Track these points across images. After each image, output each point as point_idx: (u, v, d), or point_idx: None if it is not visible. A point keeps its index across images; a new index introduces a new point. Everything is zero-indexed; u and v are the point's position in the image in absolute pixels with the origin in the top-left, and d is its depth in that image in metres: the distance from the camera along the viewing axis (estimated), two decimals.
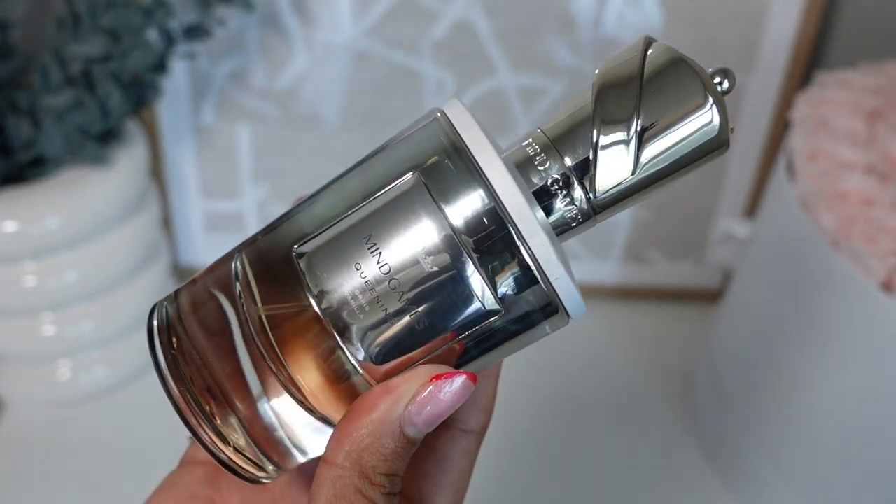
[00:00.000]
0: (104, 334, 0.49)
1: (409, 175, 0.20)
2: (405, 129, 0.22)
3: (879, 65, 0.48)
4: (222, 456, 0.22)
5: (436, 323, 0.20)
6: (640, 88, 0.20)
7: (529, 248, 0.19)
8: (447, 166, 0.20)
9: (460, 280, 0.20)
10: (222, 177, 0.56)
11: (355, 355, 0.20)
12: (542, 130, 0.21)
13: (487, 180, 0.19)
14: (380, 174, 0.21)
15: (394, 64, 0.52)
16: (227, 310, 0.22)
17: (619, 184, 0.20)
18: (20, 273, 0.45)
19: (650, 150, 0.20)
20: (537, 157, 0.21)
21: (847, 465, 0.39)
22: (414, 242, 0.20)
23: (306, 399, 0.21)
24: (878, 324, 0.35)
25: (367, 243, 0.20)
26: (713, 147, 0.20)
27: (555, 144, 0.21)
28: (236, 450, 0.22)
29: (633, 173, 0.20)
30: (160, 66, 0.45)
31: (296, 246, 0.21)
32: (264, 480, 0.23)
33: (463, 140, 0.20)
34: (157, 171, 0.55)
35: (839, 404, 0.38)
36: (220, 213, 0.57)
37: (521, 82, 0.53)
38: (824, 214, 0.37)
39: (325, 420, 0.22)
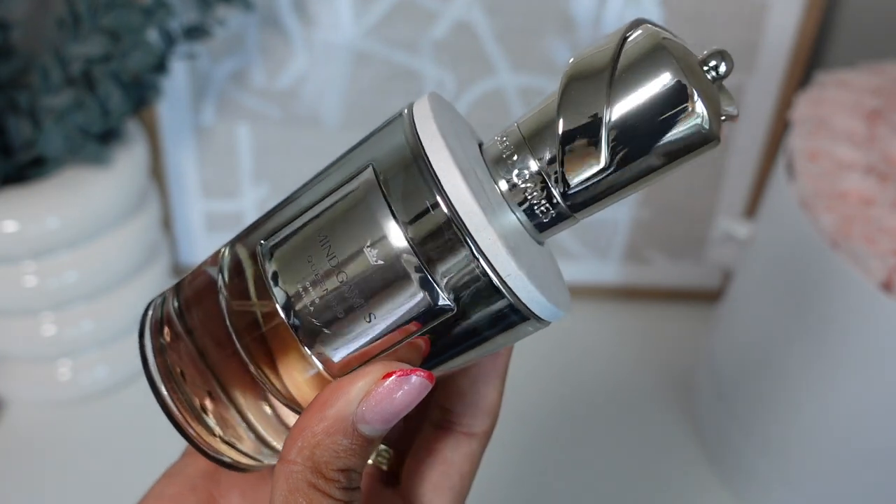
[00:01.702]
0: (104, 334, 0.49)
1: (366, 169, 0.20)
2: (381, 124, 0.21)
3: (879, 65, 0.48)
4: (209, 451, 0.22)
5: (385, 317, 0.19)
6: (610, 77, 0.18)
7: (475, 243, 0.18)
8: (401, 161, 0.19)
9: (405, 274, 0.19)
10: (222, 177, 0.56)
11: (313, 350, 0.20)
12: (517, 125, 0.20)
13: (434, 173, 0.19)
14: (345, 169, 0.21)
15: (394, 64, 0.52)
16: (221, 301, 0.22)
17: (589, 180, 0.19)
18: (20, 273, 0.45)
19: (623, 144, 0.18)
20: (506, 153, 0.20)
21: (847, 463, 0.39)
22: (360, 234, 0.19)
23: (280, 393, 0.21)
24: (877, 324, 0.35)
25: (319, 236, 0.20)
26: (698, 142, 0.18)
27: (527, 139, 0.20)
28: (223, 441, 0.22)
29: (605, 169, 0.19)
30: (160, 67, 0.45)
31: (262, 241, 0.21)
32: (253, 467, 0.23)
33: (417, 133, 0.19)
34: (157, 171, 0.55)
35: (839, 404, 0.38)
36: (221, 213, 0.57)
37: (521, 82, 0.53)
38: (824, 214, 0.37)
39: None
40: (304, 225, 0.20)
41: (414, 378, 0.20)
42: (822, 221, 0.37)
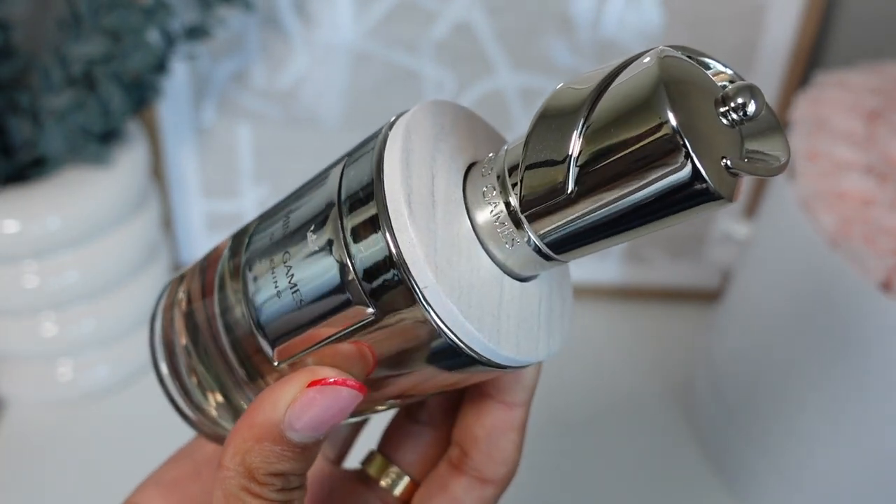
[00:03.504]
0: (105, 334, 0.49)
1: (335, 167, 0.20)
2: (364, 140, 0.21)
3: (878, 65, 0.48)
4: (192, 417, 0.23)
5: (314, 306, 0.19)
6: (589, 111, 0.16)
7: (398, 244, 0.17)
8: (365, 163, 0.19)
9: (333, 267, 0.18)
10: (223, 177, 0.56)
11: (262, 333, 0.21)
12: (505, 150, 0.19)
13: (381, 176, 0.18)
14: (317, 201, 0.20)
15: (394, 64, 0.52)
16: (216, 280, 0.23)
17: (556, 217, 0.17)
18: (21, 273, 0.45)
19: (595, 190, 0.16)
20: (486, 182, 0.19)
21: (847, 463, 0.39)
22: (307, 219, 0.19)
23: (260, 377, 0.22)
24: (877, 324, 0.35)
25: (281, 219, 0.20)
26: (693, 200, 0.15)
27: (509, 172, 0.18)
28: (215, 420, 0.23)
29: (571, 207, 0.17)
30: (161, 67, 0.45)
31: (244, 260, 0.21)
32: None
33: (382, 155, 0.18)
34: (157, 171, 0.55)
35: (838, 404, 0.38)
36: (221, 213, 0.57)
37: (521, 82, 0.53)
38: (824, 214, 0.37)
39: None
40: (276, 210, 0.21)
41: (340, 388, 0.19)
42: (822, 221, 0.37)
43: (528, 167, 0.17)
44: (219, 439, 0.24)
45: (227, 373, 0.22)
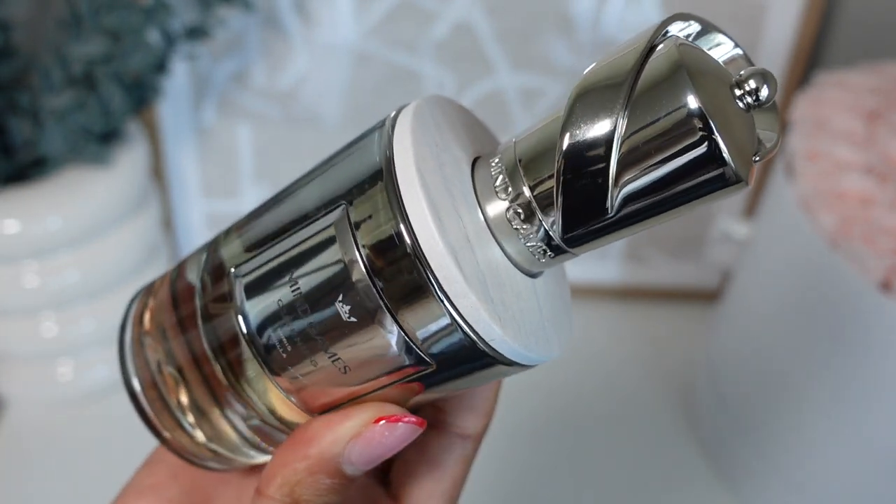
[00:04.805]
0: (105, 334, 0.49)
1: (338, 206, 0.18)
2: (362, 134, 0.19)
3: (878, 65, 0.48)
4: (167, 436, 0.22)
5: (360, 370, 0.18)
6: (626, 103, 0.16)
7: (457, 309, 0.17)
8: (374, 196, 0.17)
9: (381, 335, 0.18)
10: (223, 177, 0.56)
11: (290, 392, 0.20)
12: (514, 142, 0.18)
13: (406, 216, 0.17)
14: (317, 194, 0.19)
15: (394, 64, 0.52)
16: (196, 303, 0.22)
17: (590, 225, 0.17)
18: (21, 273, 0.45)
19: (631, 184, 0.16)
20: (496, 176, 0.18)
21: (846, 463, 0.39)
22: (330, 286, 0.18)
23: (254, 409, 0.21)
24: (876, 324, 0.35)
25: (289, 277, 0.18)
26: (716, 184, 0.15)
27: (520, 163, 0.17)
28: (190, 437, 0.22)
29: (608, 213, 0.16)
30: (161, 67, 0.45)
31: (232, 269, 0.20)
32: (212, 465, 0.23)
33: (393, 165, 0.17)
34: (158, 171, 0.55)
35: (837, 403, 0.38)
36: (221, 213, 0.57)
37: (521, 82, 0.53)
38: (823, 214, 0.37)
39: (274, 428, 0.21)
40: (271, 260, 0.19)
41: (405, 426, 0.19)
42: (822, 221, 0.37)
43: (562, 177, 0.16)
44: (188, 454, 0.23)
45: (205, 392, 0.21)
